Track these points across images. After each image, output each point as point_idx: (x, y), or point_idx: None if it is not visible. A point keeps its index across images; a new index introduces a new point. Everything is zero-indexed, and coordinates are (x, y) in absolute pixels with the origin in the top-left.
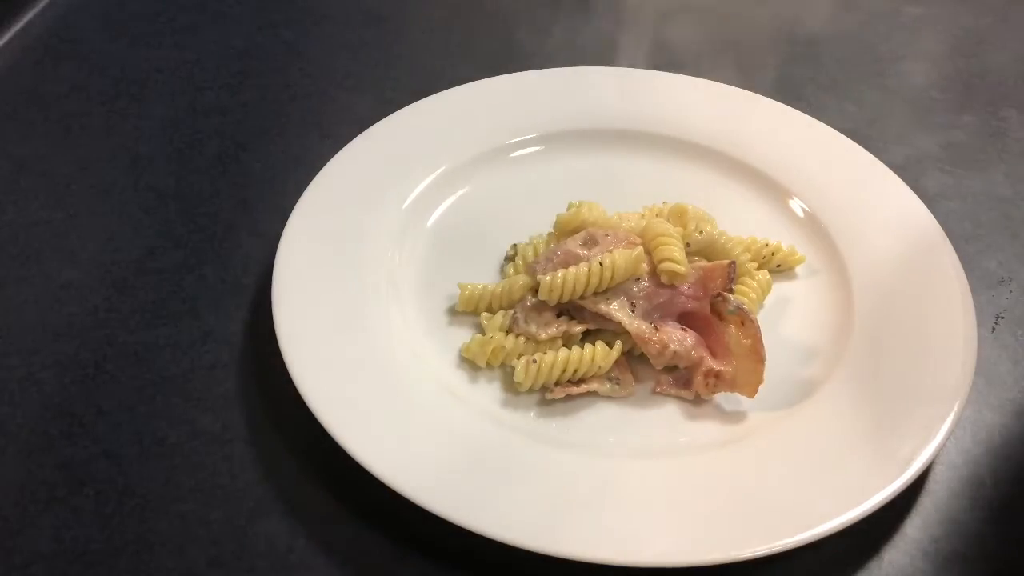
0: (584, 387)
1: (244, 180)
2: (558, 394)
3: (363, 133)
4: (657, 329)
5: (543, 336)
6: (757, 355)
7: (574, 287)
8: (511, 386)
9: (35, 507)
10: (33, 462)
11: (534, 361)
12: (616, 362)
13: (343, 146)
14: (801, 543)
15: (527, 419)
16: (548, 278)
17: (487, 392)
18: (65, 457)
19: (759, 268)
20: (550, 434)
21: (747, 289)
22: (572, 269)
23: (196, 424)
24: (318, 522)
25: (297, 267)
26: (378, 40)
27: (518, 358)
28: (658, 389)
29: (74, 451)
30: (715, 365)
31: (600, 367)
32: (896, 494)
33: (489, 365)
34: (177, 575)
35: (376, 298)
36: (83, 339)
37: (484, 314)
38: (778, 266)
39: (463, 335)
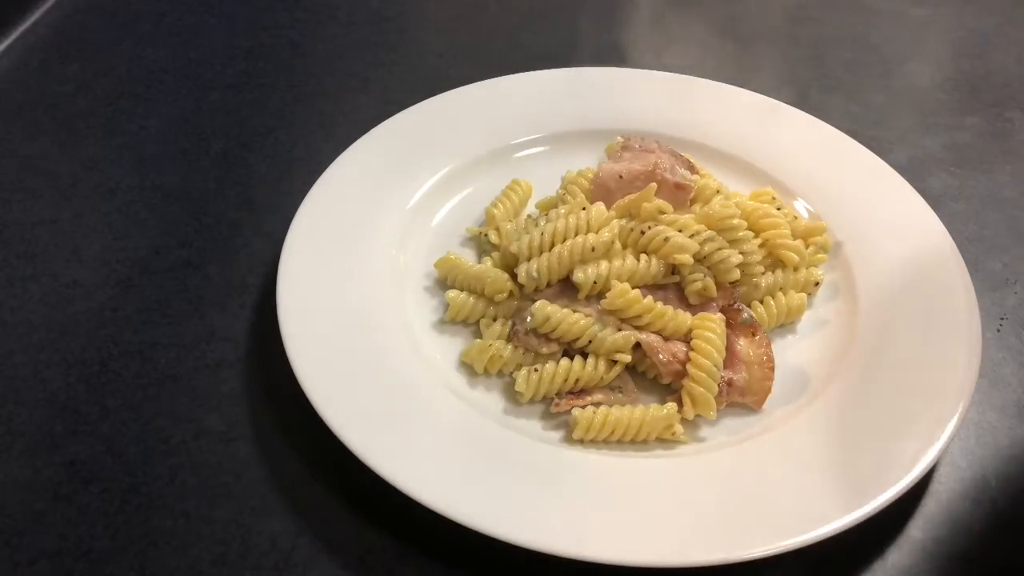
0: (588, 399)
1: (249, 180)
2: (563, 408)
3: (367, 133)
4: (666, 339)
5: (544, 350)
6: (767, 366)
7: (558, 327)
8: (513, 391)
9: (40, 505)
10: (39, 460)
11: (535, 370)
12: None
13: (348, 146)
14: (805, 543)
15: (529, 419)
16: (538, 305)
17: (490, 392)
18: (70, 455)
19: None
20: (552, 434)
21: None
22: (565, 311)
23: (201, 423)
24: (321, 521)
25: (301, 267)
26: (383, 41)
27: (517, 367)
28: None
29: (79, 449)
30: (726, 374)
31: (603, 378)
32: (900, 495)
33: (487, 372)
34: (181, 573)
35: (380, 298)
36: (88, 338)
37: (483, 320)
38: (816, 284)
39: (467, 336)
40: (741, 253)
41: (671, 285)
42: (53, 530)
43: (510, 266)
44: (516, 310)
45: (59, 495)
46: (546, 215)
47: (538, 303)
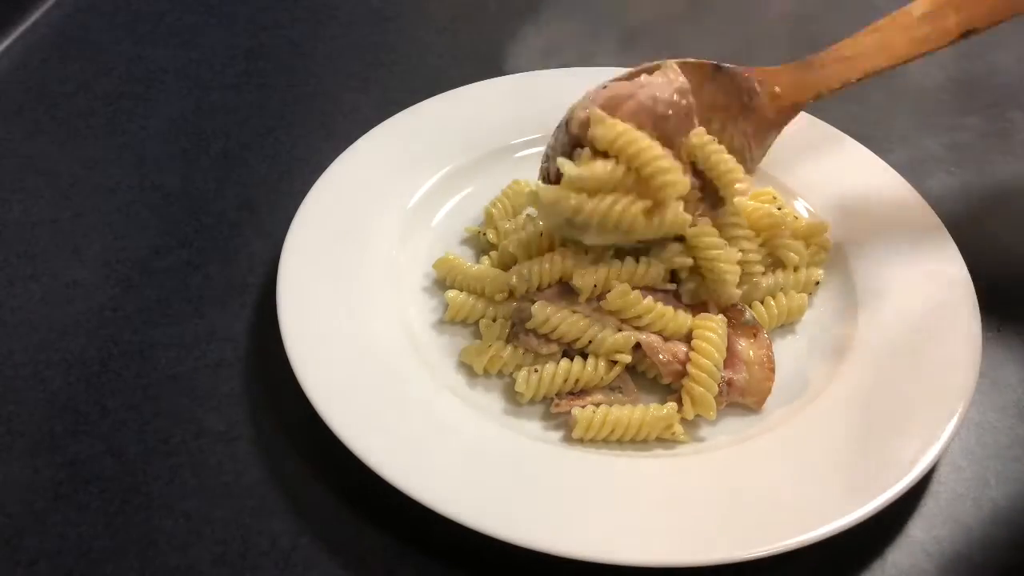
0: (588, 400)
1: (249, 180)
2: (563, 408)
3: (368, 133)
4: (666, 340)
5: (544, 351)
6: (768, 367)
7: (558, 328)
8: (513, 391)
9: (40, 504)
10: (39, 460)
11: (535, 371)
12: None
13: (348, 146)
14: (805, 543)
15: (529, 418)
16: (538, 306)
17: (490, 391)
18: (70, 455)
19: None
20: (552, 434)
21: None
22: (565, 312)
23: (201, 423)
24: (322, 521)
25: (302, 266)
26: (383, 40)
27: (517, 368)
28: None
29: (79, 449)
30: (726, 374)
31: (603, 378)
32: (900, 495)
33: (486, 372)
34: (181, 573)
35: (380, 298)
36: (89, 337)
37: (483, 321)
38: (816, 284)
39: (467, 336)
40: (740, 251)
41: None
42: (53, 530)
43: (508, 265)
44: (516, 310)
45: (59, 495)
46: None
47: (538, 304)
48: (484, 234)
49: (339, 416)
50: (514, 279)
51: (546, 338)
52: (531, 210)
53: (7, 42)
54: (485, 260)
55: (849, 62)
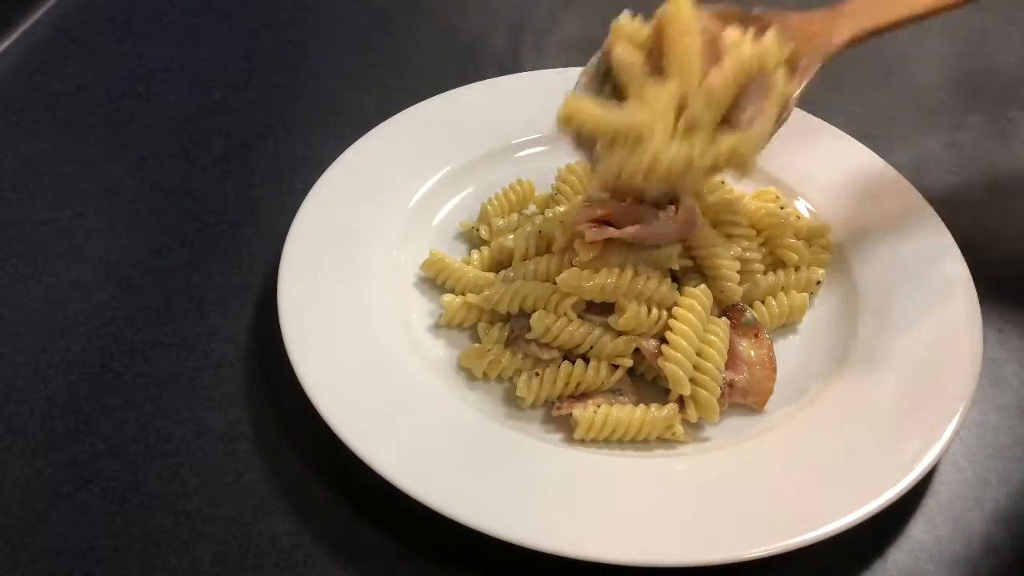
0: (590, 403)
1: (250, 179)
2: (564, 411)
3: (368, 133)
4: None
5: (545, 356)
6: (769, 367)
7: (559, 336)
8: (514, 392)
9: (41, 504)
10: (39, 459)
11: (536, 375)
12: None
13: (349, 146)
14: (806, 543)
15: (530, 418)
16: (537, 316)
17: (491, 390)
18: (71, 455)
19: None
20: (554, 433)
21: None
22: (564, 320)
23: (201, 422)
24: (322, 520)
25: (302, 266)
26: (384, 40)
27: (517, 372)
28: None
29: (80, 448)
30: (728, 375)
31: (604, 382)
32: (901, 495)
33: (486, 376)
34: (182, 573)
35: (381, 298)
36: (89, 337)
37: (481, 324)
38: (817, 284)
39: (468, 336)
40: (739, 248)
41: None
42: (54, 529)
43: (500, 262)
44: (514, 319)
45: (60, 494)
46: (541, 213)
47: (536, 315)
48: (477, 230)
49: (339, 416)
50: (481, 299)
51: (547, 344)
52: (532, 207)
53: (7, 42)
54: (475, 255)
55: (875, 10)
